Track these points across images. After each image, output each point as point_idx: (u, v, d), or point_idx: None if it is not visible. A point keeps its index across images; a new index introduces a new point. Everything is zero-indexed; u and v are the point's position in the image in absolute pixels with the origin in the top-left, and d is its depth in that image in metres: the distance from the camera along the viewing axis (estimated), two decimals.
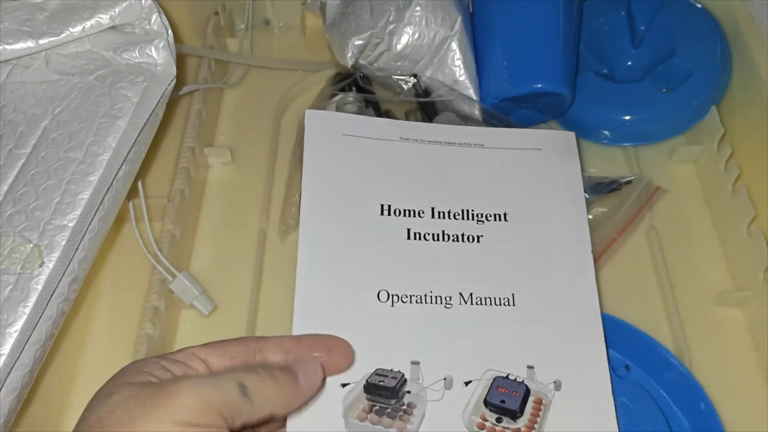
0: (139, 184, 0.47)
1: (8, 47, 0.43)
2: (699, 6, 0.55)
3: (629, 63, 0.57)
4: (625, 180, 0.47)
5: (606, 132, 0.55)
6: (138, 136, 0.41)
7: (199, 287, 0.45)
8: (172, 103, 0.56)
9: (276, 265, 0.49)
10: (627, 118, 0.54)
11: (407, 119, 0.54)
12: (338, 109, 0.51)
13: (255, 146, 0.56)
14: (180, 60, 0.60)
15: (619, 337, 0.43)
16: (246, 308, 0.46)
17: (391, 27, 0.49)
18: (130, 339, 0.43)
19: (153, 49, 0.44)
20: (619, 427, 0.35)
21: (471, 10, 0.54)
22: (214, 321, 0.47)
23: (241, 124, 0.58)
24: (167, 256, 0.45)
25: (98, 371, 0.44)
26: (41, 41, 0.43)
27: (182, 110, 0.56)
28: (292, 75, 0.60)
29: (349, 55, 0.50)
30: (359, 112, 0.50)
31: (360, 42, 0.49)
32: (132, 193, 0.47)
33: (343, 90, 0.52)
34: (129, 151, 0.40)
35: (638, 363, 0.43)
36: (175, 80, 0.45)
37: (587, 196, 0.46)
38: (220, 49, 0.59)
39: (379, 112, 0.51)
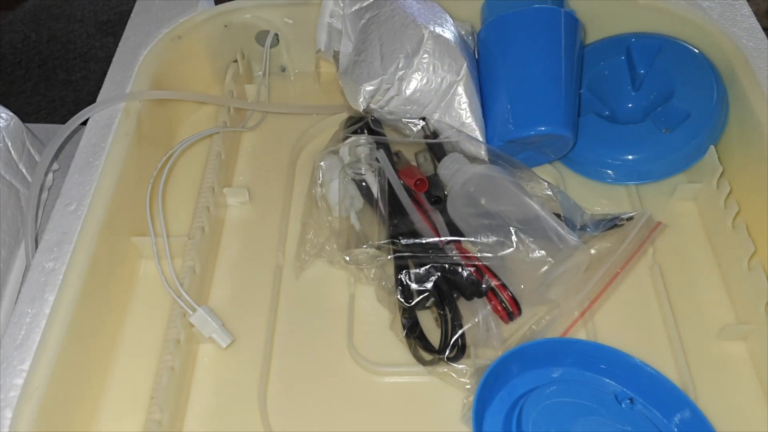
0: (162, 222, 0.49)
1: None
2: (696, 51, 0.57)
3: (630, 105, 0.59)
4: (627, 216, 0.49)
5: (609, 171, 0.57)
6: None
7: (218, 321, 0.47)
8: (193, 145, 0.59)
9: (291, 299, 0.51)
10: (629, 157, 0.56)
11: (416, 159, 0.56)
12: (350, 151, 0.53)
13: (271, 186, 0.58)
14: (199, 105, 0.64)
15: (622, 370, 0.44)
16: (262, 342, 0.48)
17: (400, 73, 0.52)
18: (151, 370, 0.45)
19: None
20: None
21: (477, 56, 0.57)
22: (231, 354, 0.48)
23: (258, 165, 0.60)
24: (187, 291, 0.47)
25: (120, 401, 0.46)
26: None
27: (202, 152, 0.59)
28: (306, 119, 0.62)
29: (361, 99, 0.52)
30: (371, 154, 0.53)
31: (371, 87, 0.52)
32: (154, 231, 0.49)
33: (355, 133, 0.55)
34: None
35: (643, 396, 0.44)
36: None
37: (590, 231, 0.48)
38: (238, 98, 0.62)
39: (390, 153, 0.53)
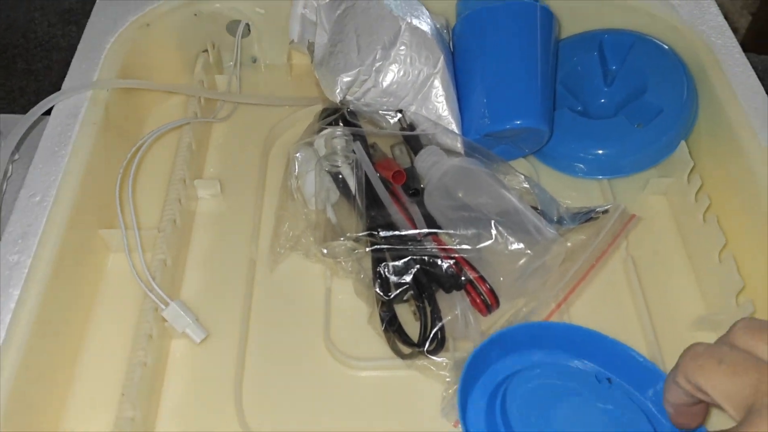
0: (132, 214, 0.48)
1: None
2: (666, 47, 0.58)
3: (602, 100, 0.60)
4: (602, 209, 0.49)
5: (581, 165, 0.57)
6: None
7: (192, 315, 0.45)
8: (160, 137, 0.57)
9: (266, 293, 0.50)
10: (601, 152, 0.56)
11: (392, 152, 0.56)
12: (326, 143, 0.52)
13: (244, 178, 0.57)
14: (168, 95, 0.62)
15: (600, 350, 0.44)
16: (236, 337, 0.47)
17: (377, 65, 0.52)
18: (120, 367, 0.44)
19: None
20: None
21: (452, 48, 0.57)
22: (205, 349, 0.47)
23: (229, 157, 0.59)
24: (159, 285, 0.45)
25: (89, 399, 0.45)
26: None
27: (171, 143, 0.57)
28: (279, 110, 0.61)
29: (338, 90, 0.52)
30: (347, 146, 0.52)
31: (348, 79, 0.51)
32: (125, 224, 0.48)
33: (330, 124, 0.54)
34: None
35: (618, 373, 0.44)
36: None
37: (566, 224, 0.48)
38: (209, 88, 0.61)
39: (366, 145, 0.53)
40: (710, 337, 0.48)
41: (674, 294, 0.51)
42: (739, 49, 0.57)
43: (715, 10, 0.61)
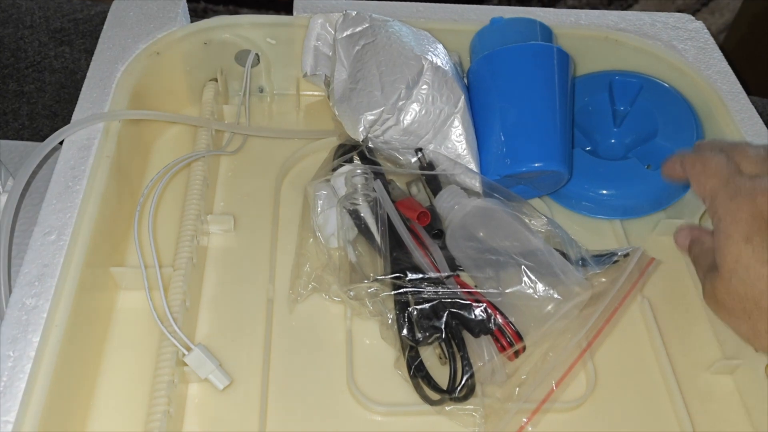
0: (153, 253, 0.46)
1: None
2: (674, 91, 0.59)
3: (612, 140, 0.61)
4: (623, 252, 0.50)
5: (594, 206, 0.58)
6: None
7: (215, 360, 0.44)
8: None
9: (286, 334, 0.49)
10: (612, 192, 0.57)
11: (409, 189, 0.55)
12: (347, 181, 0.51)
13: (256, 213, 0.56)
14: (171, 124, 0.60)
15: None
16: (258, 382, 0.46)
17: (400, 104, 0.51)
18: (138, 413, 0.42)
19: None
20: None
21: (467, 86, 0.57)
22: (224, 395, 0.45)
23: (240, 191, 0.58)
24: (180, 328, 0.44)
25: None
26: None
27: (180, 178, 0.56)
28: (290, 142, 0.60)
29: (361, 129, 0.51)
30: (367, 184, 0.51)
31: (372, 117, 0.51)
32: (144, 262, 0.46)
33: (347, 161, 0.53)
34: None
35: None
36: None
37: (591, 267, 0.48)
38: (218, 119, 0.60)
39: (386, 183, 0.52)
40: (729, 381, 0.49)
41: (690, 337, 0.51)
42: (744, 93, 0.59)
43: (718, 55, 0.62)
